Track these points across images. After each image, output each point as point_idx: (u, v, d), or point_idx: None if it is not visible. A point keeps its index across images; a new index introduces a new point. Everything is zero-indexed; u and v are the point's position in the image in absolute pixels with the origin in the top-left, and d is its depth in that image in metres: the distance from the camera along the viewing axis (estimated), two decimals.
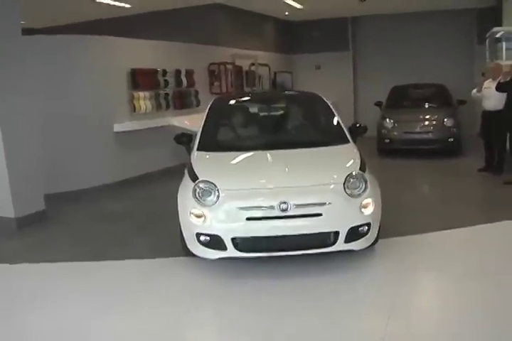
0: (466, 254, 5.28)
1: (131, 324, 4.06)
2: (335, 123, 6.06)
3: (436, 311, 4.12)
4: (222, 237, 4.67)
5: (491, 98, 8.84)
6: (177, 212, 5.09)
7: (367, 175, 5.03)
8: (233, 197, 4.74)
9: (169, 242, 5.71)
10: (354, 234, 4.77)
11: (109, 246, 5.99)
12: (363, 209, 4.82)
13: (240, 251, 4.70)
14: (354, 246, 4.84)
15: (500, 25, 11.13)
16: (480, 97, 9.27)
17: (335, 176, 4.94)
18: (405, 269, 4.87)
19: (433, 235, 5.85)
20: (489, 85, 8.95)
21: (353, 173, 4.95)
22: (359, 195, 4.83)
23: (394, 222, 5.80)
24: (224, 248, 4.70)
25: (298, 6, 13.41)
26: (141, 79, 9.48)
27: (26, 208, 6.93)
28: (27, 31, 7.93)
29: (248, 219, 4.65)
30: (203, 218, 4.75)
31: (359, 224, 4.79)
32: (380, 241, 5.19)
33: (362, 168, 5.11)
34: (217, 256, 4.82)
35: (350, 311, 4.12)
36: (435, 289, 4.66)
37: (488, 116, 9.01)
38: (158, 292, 4.66)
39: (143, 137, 9.54)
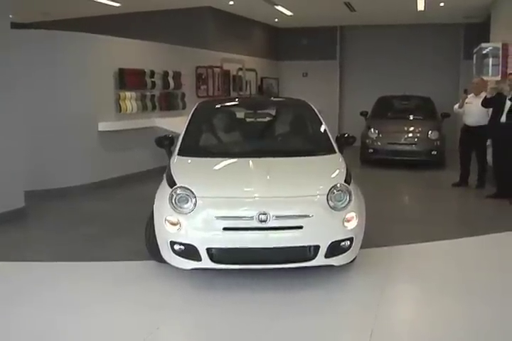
0: (445, 267, 5.27)
1: (102, 329, 3.96)
2: (322, 132, 5.91)
3: (417, 324, 4.11)
4: (197, 247, 4.45)
5: (472, 114, 8.85)
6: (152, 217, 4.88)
7: (352, 188, 4.82)
8: (211, 206, 4.56)
9: None
10: (335, 248, 4.57)
11: (86, 247, 5.91)
12: (345, 223, 4.60)
13: (215, 262, 4.48)
14: (334, 261, 4.64)
15: (486, 40, 11.21)
16: (461, 112, 9.28)
17: (318, 187, 4.73)
18: (385, 281, 4.79)
19: (413, 247, 5.85)
20: (471, 101, 8.93)
21: (338, 185, 4.73)
22: (343, 208, 4.63)
23: (374, 233, 5.60)
24: (198, 258, 4.48)
25: (288, 13, 13.45)
26: (128, 79, 9.42)
27: (5, 205, 6.80)
28: (16, 25, 7.82)
29: (225, 229, 4.45)
30: (178, 226, 4.53)
31: (341, 238, 4.58)
32: (360, 251, 4.92)
33: (347, 180, 4.89)
34: (190, 267, 4.60)
35: (332, 325, 4.04)
36: (415, 302, 4.65)
37: (468, 131, 9.02)
38: (134, 295, 4.56)
39: (127, 137, 9.47)
